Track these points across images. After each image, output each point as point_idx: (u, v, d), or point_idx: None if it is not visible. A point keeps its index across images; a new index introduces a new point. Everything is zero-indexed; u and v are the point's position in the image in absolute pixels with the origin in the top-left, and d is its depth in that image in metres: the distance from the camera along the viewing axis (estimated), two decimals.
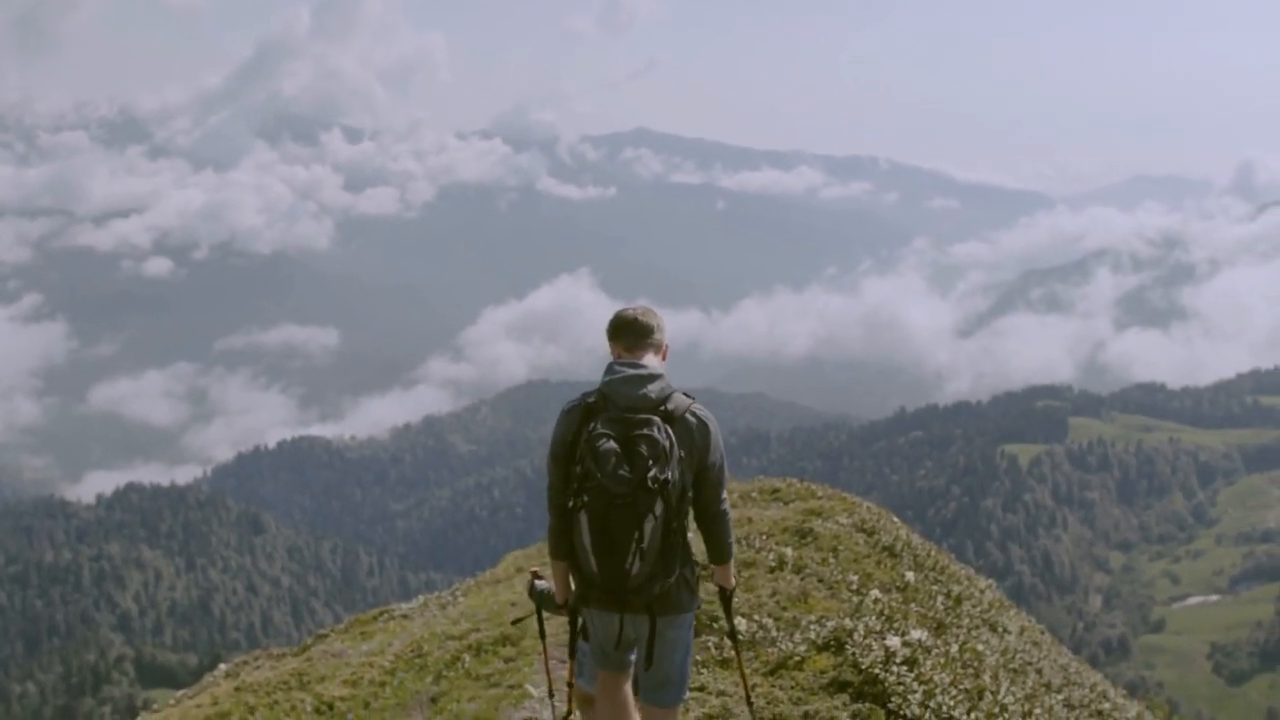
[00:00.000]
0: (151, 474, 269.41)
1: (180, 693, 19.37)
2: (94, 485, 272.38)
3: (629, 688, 6.29)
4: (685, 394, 5.98)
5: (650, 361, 6.07)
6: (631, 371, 5.89)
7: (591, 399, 5.86)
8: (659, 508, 5.58)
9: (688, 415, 5.84)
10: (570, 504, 5.68)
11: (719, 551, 6.31)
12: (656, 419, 5.67)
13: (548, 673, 8.58)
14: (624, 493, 5.49)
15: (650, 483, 5.52)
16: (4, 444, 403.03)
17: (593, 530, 5.56)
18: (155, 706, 18.72)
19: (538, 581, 7.13)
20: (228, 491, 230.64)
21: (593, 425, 5.66)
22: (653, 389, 5.81)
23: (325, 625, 22.86)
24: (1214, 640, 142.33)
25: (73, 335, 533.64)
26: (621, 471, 5.49)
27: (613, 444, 5.55)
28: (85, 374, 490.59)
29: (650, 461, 5.54)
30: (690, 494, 5.90)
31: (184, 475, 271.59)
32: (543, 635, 7.85)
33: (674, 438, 5.68)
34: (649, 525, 5.55)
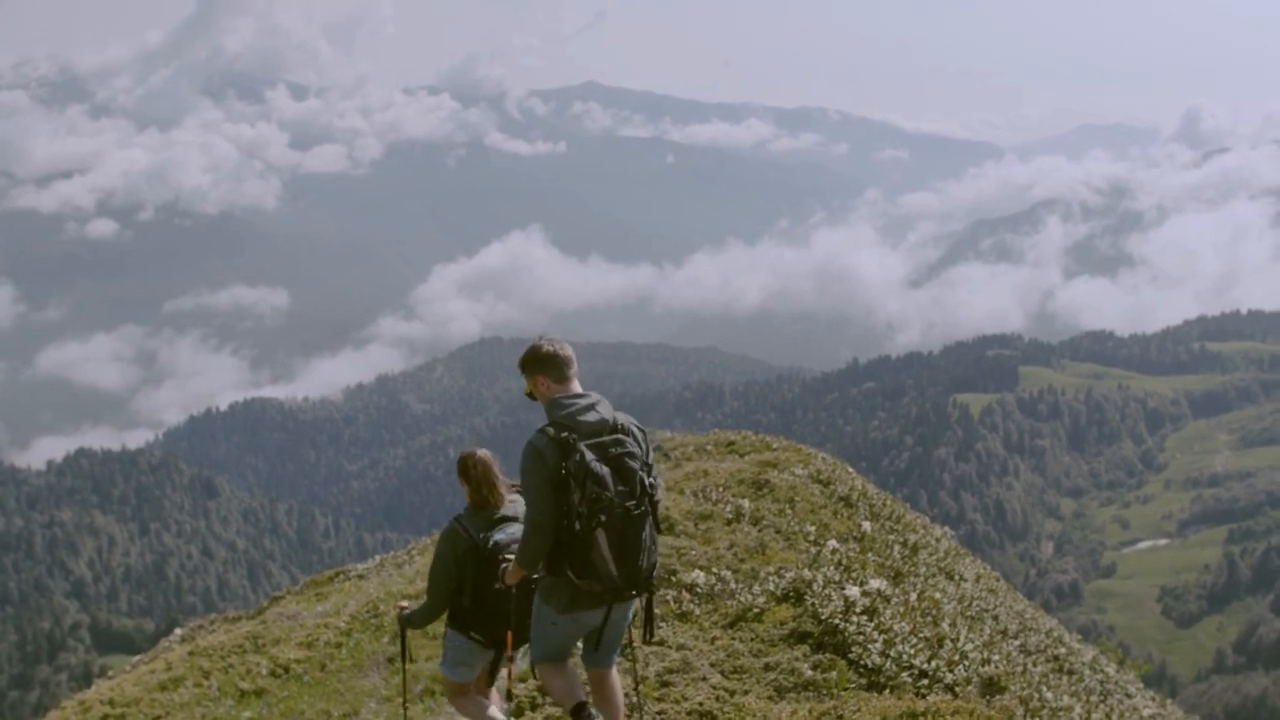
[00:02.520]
0: (101, 439, 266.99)
1: (136, 658, 19.22)
2: (43, 451, 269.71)
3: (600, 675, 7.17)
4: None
5: (580, 388, 6.69)
6: (582, 402, 6.52)
7: (564, 434, 6.35)
8: (649, 509, 6.40)
9: (631, 426, 6.62)
10: (578, 528, 6.21)
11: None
12: (622, 435, 6.42)
13: (404, 689, 9.54)
14: (633, 505, 6.26)
15: (649, 489, 6.35)
16: None
17: (612, 544, 6.25)
18: (111, 673, 18.55)
19: (404, 611, 8.24)
20: (180, 455, 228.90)
21: (577, 455, 6.22)
22: (604, 411, 6.53)
23: (282, 588, 22.73)
24: (1163, 584, 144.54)
25: (19, 299, 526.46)
26: (621, 487, 6.24)
27: (603, 467, 6.22)
28: (32, 338, 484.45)
29: (639, 472, 6.33)
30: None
31: (135, 439, 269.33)
32: (405, 658, 8.87)
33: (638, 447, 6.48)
34: (647, 526, 6.40)
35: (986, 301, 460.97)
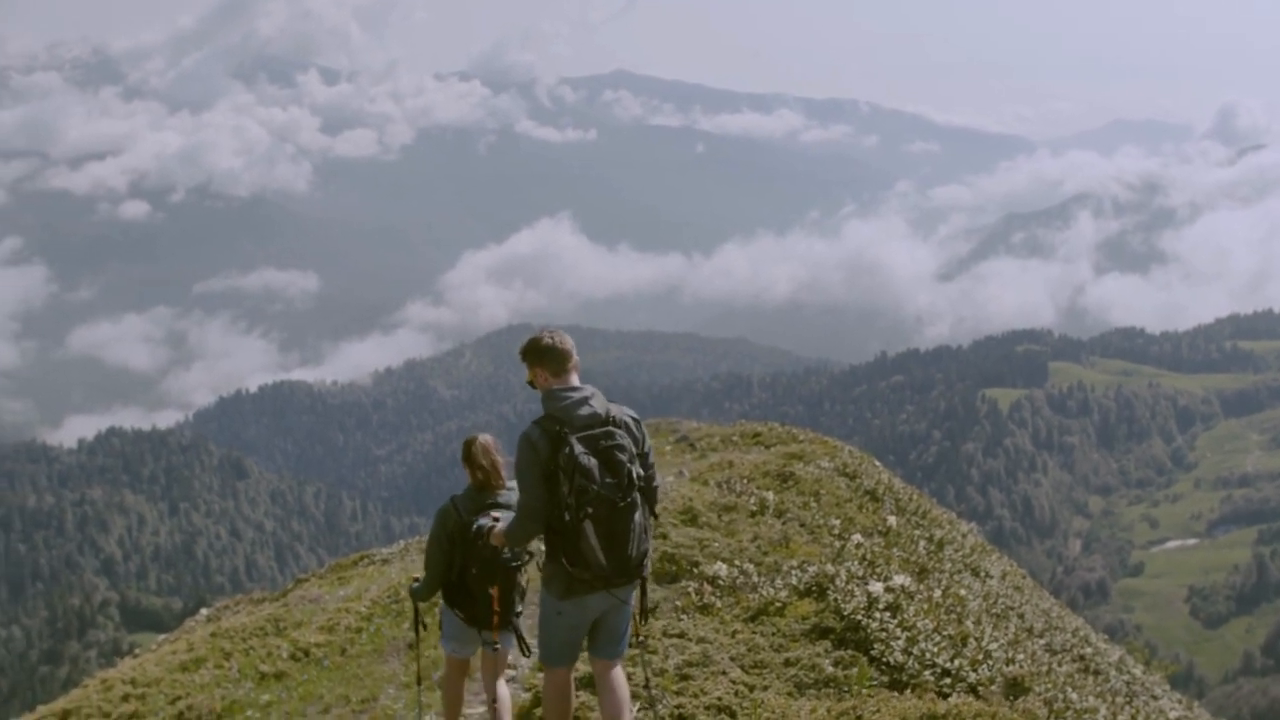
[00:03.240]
0: (131, 418, 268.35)
1: (163, 637, 19.28)
2: (74, 430, 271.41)
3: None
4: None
5: (577, 381, 6.87)
6: (576, 396, 6.69)
7: (550, 424, 6.59)
8: (639, 500, 6.62)
9: (625, 418, 6.80)
10: (567, 519, 6.45)
11: (653, 504, 7.09)
12: (613, 429, 6.62)
13: (418, 670, 9.50)
14: (620, 497, 6.48)
15: (637, 480, 6.57)
16: None
17: (600, 535, 6.47)
18: (139, 651, 18.63)
19: (415, 583, 8.53)
20: (209, 436, 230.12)
21: (567, 449, 6.45)
22: (597, 405, 6.70)
23: (309, 570, 22.77)
24: (1191, 583, 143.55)
25: (52, 279, 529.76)
26: (609, 479, 6.46)
27: (592, 459, 6.44)
28: (64, 318, 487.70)
29: (628, 464, 6.53)
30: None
31: (164, 420, 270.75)
32: (418, 628, 9.01)
33: (629, 440, 6.68)
34: (637, 516, 6.60)
35: (1017, 296, 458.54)
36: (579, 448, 6.44)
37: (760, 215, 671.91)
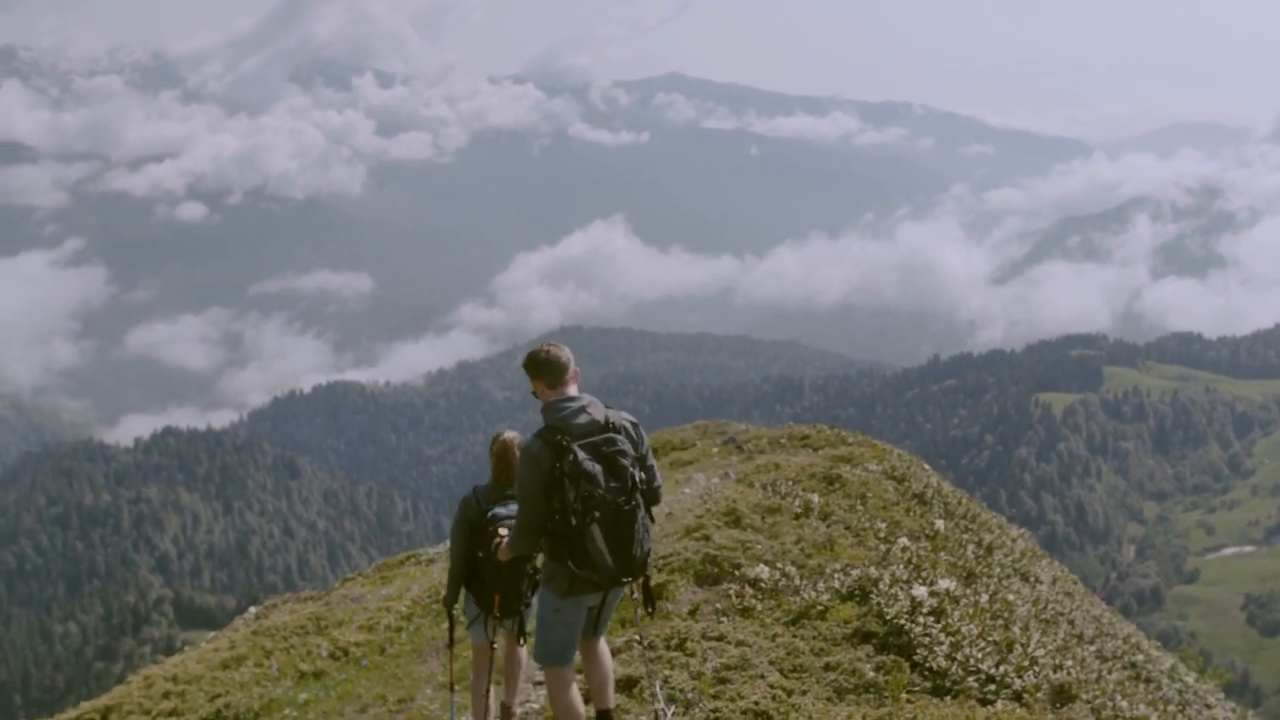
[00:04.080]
0: (187, 418, 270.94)
1: (212, 634, 19.35)
2: (131, 429, 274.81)
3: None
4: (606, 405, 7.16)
5: (575, 391, 7.07)
6: (574, 405, 6.90)
7: (557, 437, 6.76)
8: (641, 502, 6.85)
9: (625, 423, 7.03)
10: (574, 523, 6.64)
11: (655, 504, 7.32)
12: (613, 434, 6.84)
13: (451, 674, 9.60)
14: (624, 500, 6.72)
15: (639, 484, 6.81)
16: (42, 387, 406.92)
17: (607, 537, 6.69)
18: (189, 648, 18.69)
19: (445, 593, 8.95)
20: (263, 436, 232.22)
21: (570, 456, 6.65)
22: (595, 413, 6.90)
23: (360, 570, 22.83)
24: (1248, 591, 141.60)
25: (111, 280, 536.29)
26: (614, 483, 6.69)
27: (596, 465, 6.65)
28: (122, 318, 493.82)
29: (630, 468, 6.76)
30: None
31: (219, 420, 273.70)
32: (453, 631, 9.14)
33: (629, 445, 6.92)
34: (640, 518, 6.83)
35: (1072, 300, 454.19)
36: (583, 454, 6.66)
37: (813, 218, 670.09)
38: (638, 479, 6.82)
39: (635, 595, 7.57)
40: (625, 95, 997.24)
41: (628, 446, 6.86)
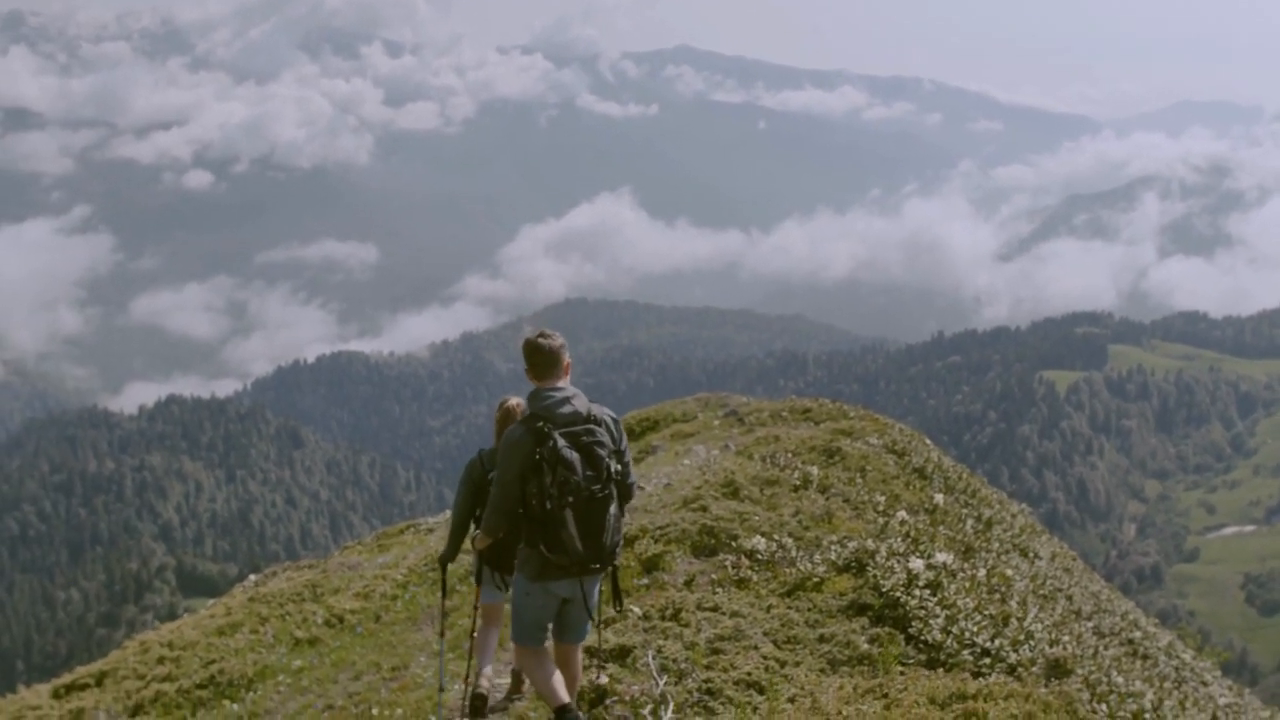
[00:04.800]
0: (191, 386, 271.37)
1: (212, 602, 19.37)
2: (135, 396, 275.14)
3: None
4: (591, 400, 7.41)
5: (564, 383, 7.32)
6: (559, 395, 7.16)
7: (533, 422, 7.07)
8: (615, 492, 7.09)
9: (605, 417, 7.26)
10: (549, 507, 6.90)
11: (628, 499, 7.59)
12: (594, 425, 7.10)
13: (442, 623, 9.20)
14: (599, 489, 6.96)
15: (615, 475, 7.06)
16: (47, 353, 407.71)
17: (579, 522, 6.94)
18: (189, 616, 18.71)
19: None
20: (267, 405, 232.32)
21: (551, 441, 6.93)
22: (579, 405, 7.15)
23: (366, 537, 22.89)
24: (1247, 571, 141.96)
25: (118, 248, 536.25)
26: (589, 472, 6.94)
27: (574, 453, 6.93)
28: (127, 286, 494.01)
29: (606, 459, 7.02)
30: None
31: (223, 388, 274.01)
32: (443, 593, 8.81)
33: (607, 437, 7.17)
34: (612, 508, 7.07)
35: (1078, 278, 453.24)
36: (562, 442, 6.93)
37: (820, 192, 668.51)
38: (613, 470, 7.06)
39: (601, 588, 7.78)
40: (634, 67, 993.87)
41: (606, 439, 7.09)
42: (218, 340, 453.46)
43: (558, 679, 7.51)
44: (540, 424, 7.04)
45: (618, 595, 7.69)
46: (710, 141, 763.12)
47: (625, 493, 7.33)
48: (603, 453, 7.02)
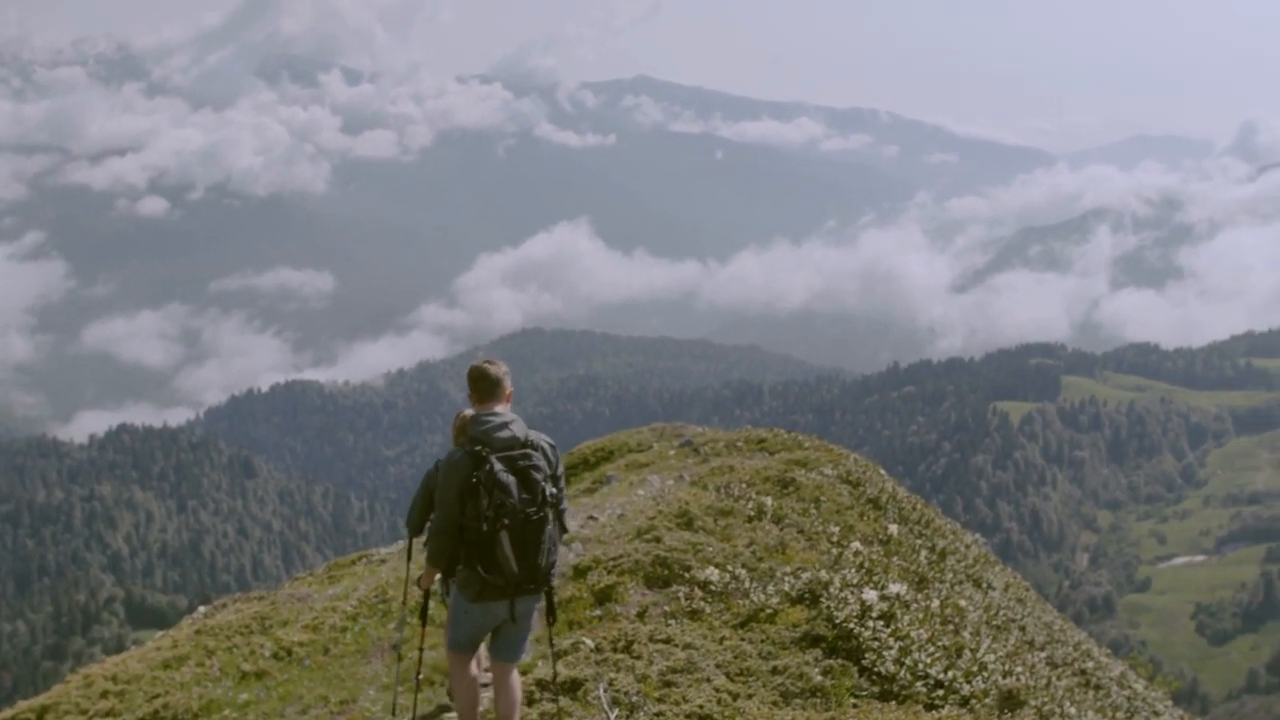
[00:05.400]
0: (142, 415, 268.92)
1: (159, 634, 19.05)
2: (85, 425, 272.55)
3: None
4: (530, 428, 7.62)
5: (503, 409, 7.58)
6: (497, 420, 7.40)
7: (472, 446, 7.28)
8: (550, 515, 7.29)
9: (542, 443, 7.46)
10: (485, 529, 7.12)
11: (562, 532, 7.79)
12: (531, 450, 7.31)
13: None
14: (534, 511, 7.17)
15: (549, 499, 7.25)
16: None
17: (514, 543, 7.16)
18: (135, 648, 18.40)
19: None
20: (220, 434, 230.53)
21: (487, 466, 7.14)
22: (517, 430, 7.36)
23: (318, 569, 22.64)
24: (1198, 600, 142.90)
25: (71, 274, 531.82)
26: (524, 495, 7.15)
27: (510, 476, 7.14)
28: (80, 313, 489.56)
29: (542, 483, 7.23)
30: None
31: (175, 417, 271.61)
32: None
33: (544, 461, 7.37)
34: (548, 530, 7.28)
35: (1031, 309, 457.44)
36: (499, 465, 7.14)
37: (777, 223, 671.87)
38: (549, 494, 7.26)
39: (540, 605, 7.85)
40: (592, 97, 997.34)
41: (542, 463, 7.29)
42: (170, 368, 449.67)
43: (474, 697, 7.93)
44: (478, 448, 7.24)
45: (552, 611, 7.81)
46: (668, 171, 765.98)
47: (561, 517, 7.51)
48: (538, 476, 7.21)
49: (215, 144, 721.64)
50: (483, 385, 7.65)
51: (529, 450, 7.32)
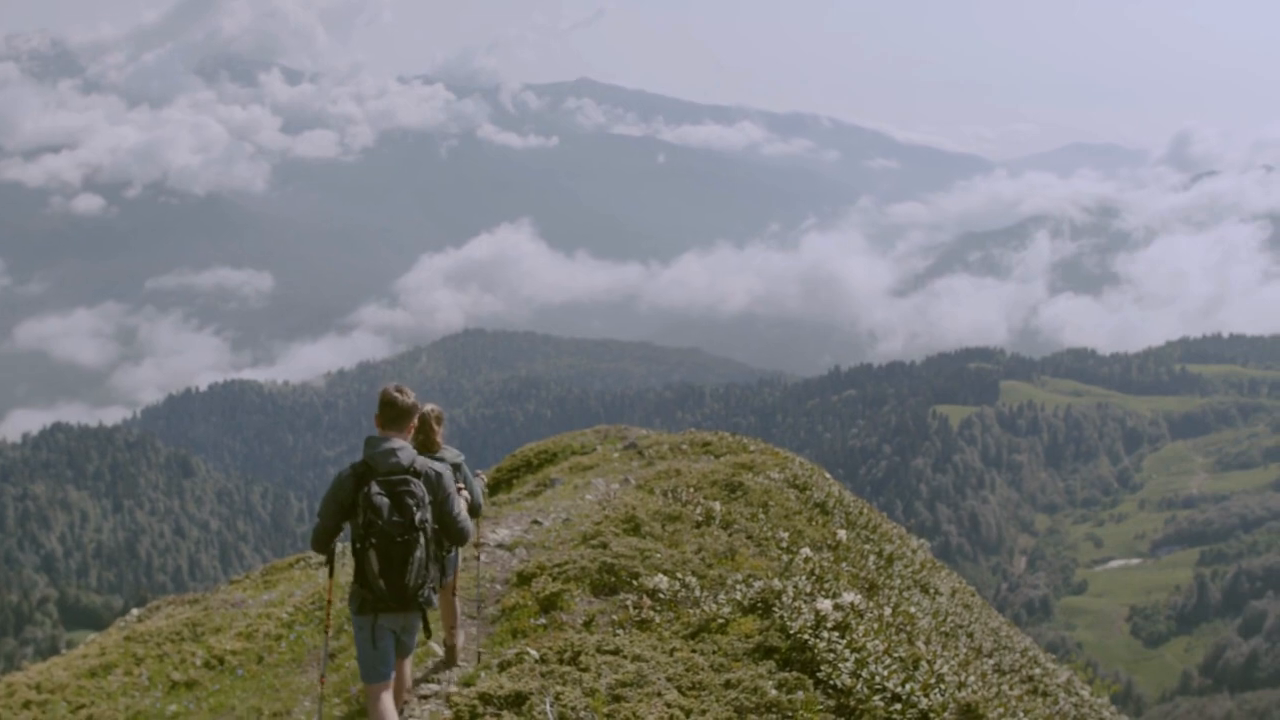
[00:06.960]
0: (77, 414, 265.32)
1: (92, 636, 18.53)
2: (18, 424, 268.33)
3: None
4: (418, 454, 8.03)
5: (397, 438, 7.94)
6: (387, 445, 7.82)
7: (360, 467, 7.77)
8: (421, 539, 7.69)
9: (428, 471, 7.90)
10: (358, 545, 7.58)
11: (460, 544, 8.52)
12: (411, 477, 7.73)
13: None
14: (401, 534, 7.57)
15: (419, 524, 7.65)
16: None
17: (381, 561, 7.59)
18: (66, 651, 17.87)
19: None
20: (157, 433, 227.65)
21: (367, 487, 7.62)
22: (403, 457, 7.80)
23: (253, 570, 22.12)
24: (1133, 603, 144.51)
25: (4, 272, 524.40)
26: (395, 518, 7.57)
27: (385, 499, 7.59)
28: (12, 311, 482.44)
29: (415, 509, 7.63)
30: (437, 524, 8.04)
31: (111, 416, 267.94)
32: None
33: (425, 489, 7.79)
34: (417, 553, 7.66)
35: (971, 314, 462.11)
36: (375, 488, 7.59)
37: (720, 226, 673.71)
38: (420, 520, 7.65)
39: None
40: (535, 99, 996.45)
41: (420, 491, 7.71)
42: (106, 367, 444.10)
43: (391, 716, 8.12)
44: (364, 470, 7.75)
45: (425, 628, 8.24)
46: (610, 174, 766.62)
47: (454, 537, 8.10)
48: (412, 502, 7.62)
49: (152, 142, 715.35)
50: (390, 413, 8.00)
51: (409, 477, 7.71)
